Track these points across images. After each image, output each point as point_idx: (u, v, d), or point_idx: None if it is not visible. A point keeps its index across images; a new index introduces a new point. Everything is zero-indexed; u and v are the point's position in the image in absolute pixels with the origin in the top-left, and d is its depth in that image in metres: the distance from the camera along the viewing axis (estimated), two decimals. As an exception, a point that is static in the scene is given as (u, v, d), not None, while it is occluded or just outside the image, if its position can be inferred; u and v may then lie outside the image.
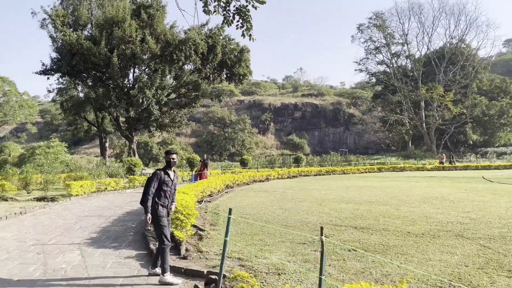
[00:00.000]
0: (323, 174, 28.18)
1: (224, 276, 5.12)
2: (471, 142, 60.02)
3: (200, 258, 6.46)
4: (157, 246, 5.67)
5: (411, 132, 59.46)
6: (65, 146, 31.74)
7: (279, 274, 5.46)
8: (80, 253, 6.84)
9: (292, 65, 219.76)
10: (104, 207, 12.26)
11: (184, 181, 21.33)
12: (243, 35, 7.62)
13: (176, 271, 5.69)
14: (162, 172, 5.48)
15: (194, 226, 8.27)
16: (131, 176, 20.25)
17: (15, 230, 8.70)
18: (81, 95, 34.61)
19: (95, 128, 38.22)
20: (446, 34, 79.29)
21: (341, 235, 7.80)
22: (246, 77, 31.68)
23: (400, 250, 6.64)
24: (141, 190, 18.21)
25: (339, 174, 29.30)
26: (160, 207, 5.40)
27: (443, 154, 43.59)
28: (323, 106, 79.72)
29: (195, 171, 20.09)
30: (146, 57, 27.87)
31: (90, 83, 30.75)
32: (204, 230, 8.37)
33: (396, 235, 7.71)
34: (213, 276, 5.31)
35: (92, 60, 26.90)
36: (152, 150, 50.47)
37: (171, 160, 5.53)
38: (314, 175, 27.33)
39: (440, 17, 76.66)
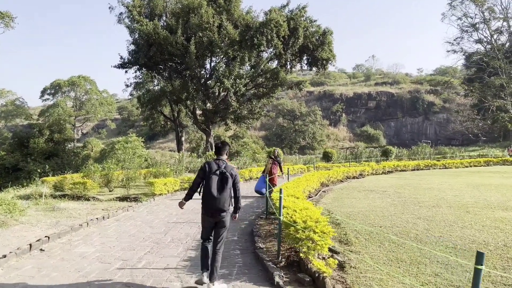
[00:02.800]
0: (422, 169, 24.55)
1: None
2: None
3: (363, 308, 4.14)
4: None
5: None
6: (141, 141, 31.38)
7: None
8: (180, 287, 4.90)
9: (362, 53, 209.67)
10: (193, 210, 10.20)
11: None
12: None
13: None
14: None
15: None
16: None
17: (97, 243, 7.10)
18: (157, 88, 34.09)
19: (171, 122, 37.75)
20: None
21: None
22: (330, 61, 28.74)
23: None
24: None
25: (440, 168, 25.47)
26: None
27: None
28: (399, 95, 73.57)
29: (263, 172, 13.76)
30: (223, 44, 26.17)
31: (166, 75, 29.88)
32: (339, 253, 6.06)
33: None
34: None
35: (169, 50, 25.91)
36: (225, 143, 49.35)
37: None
38: (412, 170, 23.88)
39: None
